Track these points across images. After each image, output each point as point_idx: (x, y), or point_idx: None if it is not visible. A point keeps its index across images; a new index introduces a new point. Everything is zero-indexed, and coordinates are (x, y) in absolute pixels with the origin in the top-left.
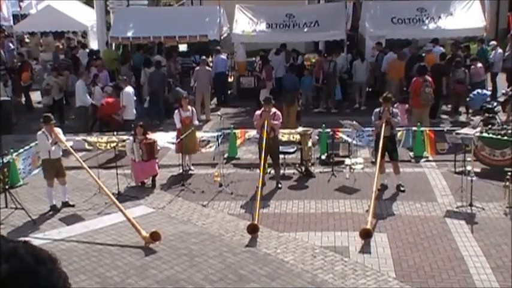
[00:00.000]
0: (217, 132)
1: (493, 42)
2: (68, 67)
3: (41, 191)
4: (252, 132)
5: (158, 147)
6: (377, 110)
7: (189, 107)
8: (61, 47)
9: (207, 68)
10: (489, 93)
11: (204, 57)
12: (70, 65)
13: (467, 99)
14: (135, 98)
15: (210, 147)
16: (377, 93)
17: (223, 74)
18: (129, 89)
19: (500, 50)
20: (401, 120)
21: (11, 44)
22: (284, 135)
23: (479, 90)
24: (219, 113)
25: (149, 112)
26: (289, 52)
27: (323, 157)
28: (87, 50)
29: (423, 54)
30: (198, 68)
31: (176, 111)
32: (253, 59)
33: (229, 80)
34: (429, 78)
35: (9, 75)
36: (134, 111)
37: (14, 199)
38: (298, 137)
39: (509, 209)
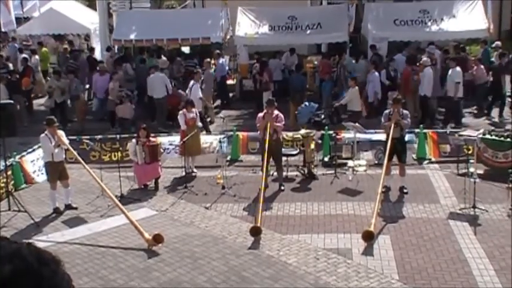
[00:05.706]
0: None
1: (498, 43)
2: (73, 70)
3: (44, 194)
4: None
5: (161, 150)
6: (387, 111)
7: (193, 109)
8: (68, 49)
9: (211, 71)
10: (316, 105)
11: (208, 59)
12: (77, 68)
13: (296, 112)
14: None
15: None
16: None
17: (225, 77)
18: None
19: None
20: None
21: (16, 46)
22: (288, 138)
23: (307, 103)
24: (221, 115)
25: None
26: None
27: (326, 159)
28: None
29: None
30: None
31: (181, 112)
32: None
33: (231, 82)
34: (417, 68)
35: (10, 79)
36: None
37: (17, 202)
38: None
39: None
